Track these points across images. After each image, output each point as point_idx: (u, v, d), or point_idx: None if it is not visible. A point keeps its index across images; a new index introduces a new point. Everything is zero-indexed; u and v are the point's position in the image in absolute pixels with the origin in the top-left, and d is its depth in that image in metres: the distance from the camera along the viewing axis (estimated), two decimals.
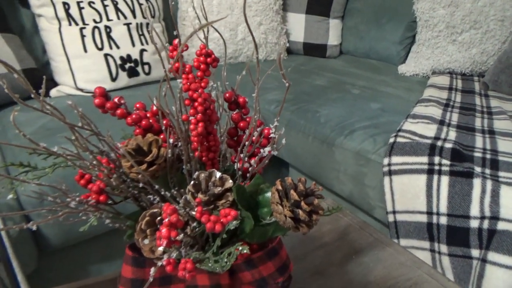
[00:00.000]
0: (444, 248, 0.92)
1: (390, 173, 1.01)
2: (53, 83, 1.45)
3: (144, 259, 0.42)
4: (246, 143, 0.41)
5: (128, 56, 1.45)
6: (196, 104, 0.39)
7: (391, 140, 1.05)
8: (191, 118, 0.39)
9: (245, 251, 0.36)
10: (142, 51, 1.49)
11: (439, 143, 0.99)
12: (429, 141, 1.01)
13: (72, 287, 0.60)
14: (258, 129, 0.41)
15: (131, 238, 0.45)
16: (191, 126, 0.39)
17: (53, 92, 1.42)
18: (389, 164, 1.01)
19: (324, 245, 0.80)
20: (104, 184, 0.40)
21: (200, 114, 0.39)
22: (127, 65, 1.45)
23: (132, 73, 1.47)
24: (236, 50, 1.83)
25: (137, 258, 0.41)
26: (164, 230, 0.36)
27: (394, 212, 1.01)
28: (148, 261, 0.42)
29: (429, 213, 0.94)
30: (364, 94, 1.47)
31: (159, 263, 0.37)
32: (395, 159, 1.01)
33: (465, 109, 1.29)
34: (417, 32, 1.75)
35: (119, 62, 1.43)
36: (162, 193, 0.41)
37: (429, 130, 1.08)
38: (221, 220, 0.37)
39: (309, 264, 0.75)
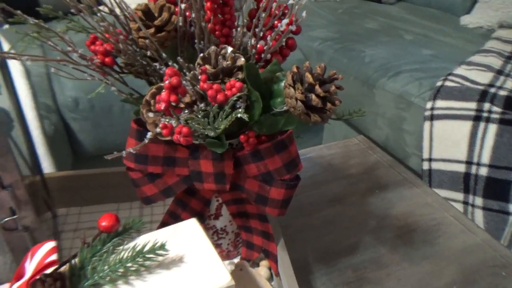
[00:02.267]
0: (479, 201, 0.85)
1: (432, 117, 0.94)
2: None
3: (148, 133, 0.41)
4: (263, 14, 0.37)
5: None
6: None
7: (439, 83, 0.97)
8: None
9: (240, 115, 0.33)
10: None
11: (492, 90, 0.90)
12: (481, 87, 0.92)
13: (90, 173, 0.62)
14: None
15: (138, 114, 0.44)
16: None
17: None
18: (432, 108, 0.94)
19: (348, 176, 0.77)
20: (112, 46, 0.38)
21: None
22: None
23: None
24: None
25: (141, 132, 0.40)
26: (164, 93, 0.34)
27: (430, 160, 0.95)
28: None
29: (469, 162, 0.87)
30: (417, 40, 1.36)
31: (158, 129, 0.36)
32: (440, 103, 0.93)
33: None
34: None
35: None
36: (170, 63, 0.39)
37: (484, 77, 0.98)
38: (226, 93, 0.35)
39: (329, 191, 0.73)
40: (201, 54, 0.38)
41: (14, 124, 0.50)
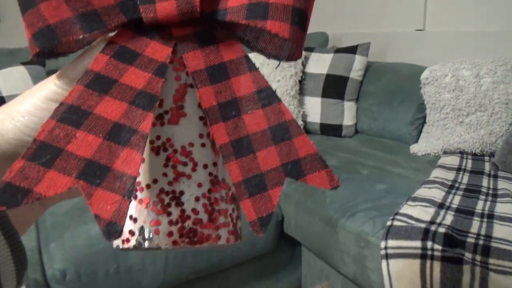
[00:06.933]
0: None
1: (387, 256, 1.04)
2: None
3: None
4: None
5: None
6: None
7: (388, 223, 1.10)
8: None
9: None
10: None
11: (433, 227, 1.03)
12: (423, 225, 1.04)
13: None
14: None
15: None
16: None
17: None
18: (386, 248, 1.05)
19: None
20: None
21: None
22: None
23: None
24: None
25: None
26: None
27: None
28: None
29: None
30: (371, 174, 1.53)
31: None
32: (391, 242, 1.05)
33: (470, 191, 1.31)
34: (427, 113, 1.83)
35: None
36: None
37: (426, 213, 1.12)
38: None
39: None
40: None
41: None
